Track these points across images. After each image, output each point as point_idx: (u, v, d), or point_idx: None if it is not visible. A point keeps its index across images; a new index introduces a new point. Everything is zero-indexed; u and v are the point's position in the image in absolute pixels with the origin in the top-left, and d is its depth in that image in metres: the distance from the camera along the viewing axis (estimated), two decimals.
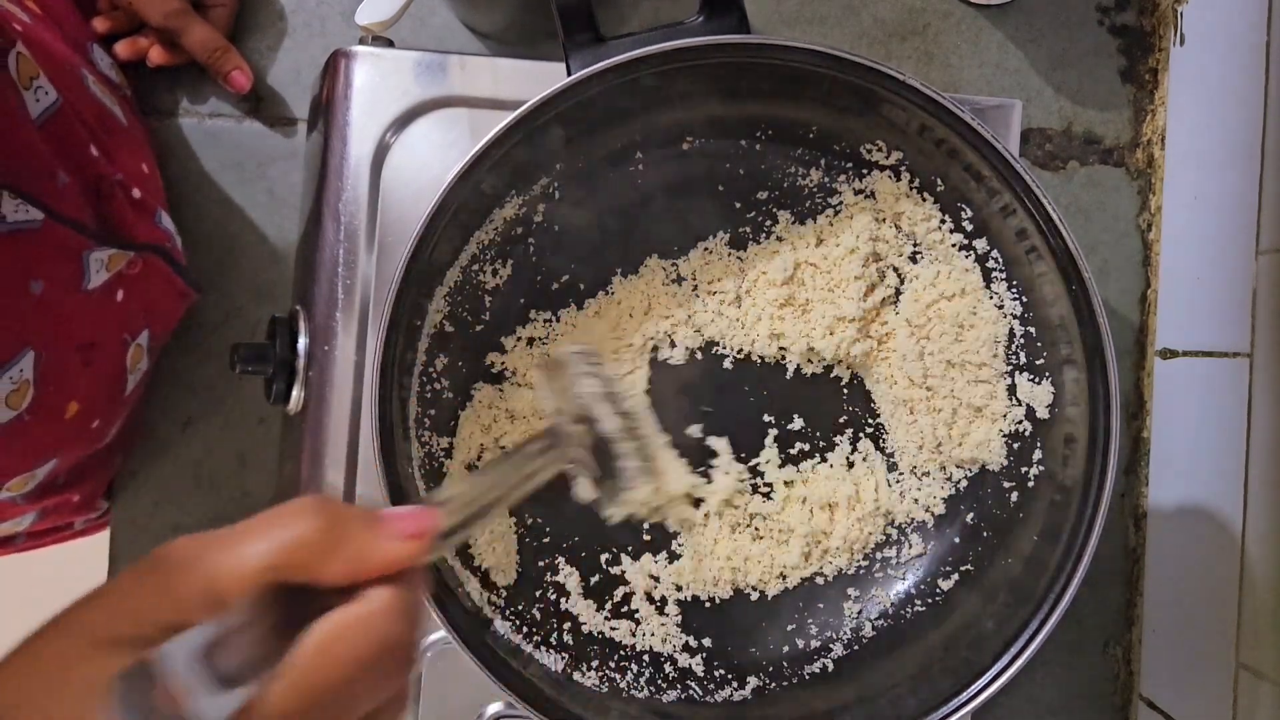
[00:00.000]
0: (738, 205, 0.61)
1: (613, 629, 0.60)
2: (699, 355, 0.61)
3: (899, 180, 0.60)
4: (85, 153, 0.54)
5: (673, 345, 0.61)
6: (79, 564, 0.85)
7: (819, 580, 0.61)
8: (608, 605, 0.60)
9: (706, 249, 0.61)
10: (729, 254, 0.61)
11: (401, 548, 0.31)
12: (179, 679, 0.27)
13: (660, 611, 0.60)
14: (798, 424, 0.61)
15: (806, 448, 0.61)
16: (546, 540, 0.60)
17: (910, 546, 0.61)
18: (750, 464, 0.61)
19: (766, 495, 0.61)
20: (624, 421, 0.45)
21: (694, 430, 0.61)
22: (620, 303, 0.61)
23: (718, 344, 0.61)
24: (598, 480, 0.46)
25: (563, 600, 0.59)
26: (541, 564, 0.60)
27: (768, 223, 0.61)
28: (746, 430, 0.61)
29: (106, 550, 0.69)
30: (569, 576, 0.60)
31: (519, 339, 0.60)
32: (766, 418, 0.61)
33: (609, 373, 0.49)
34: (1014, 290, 0.59)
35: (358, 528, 0.30)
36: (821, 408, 0.62)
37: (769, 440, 0.61)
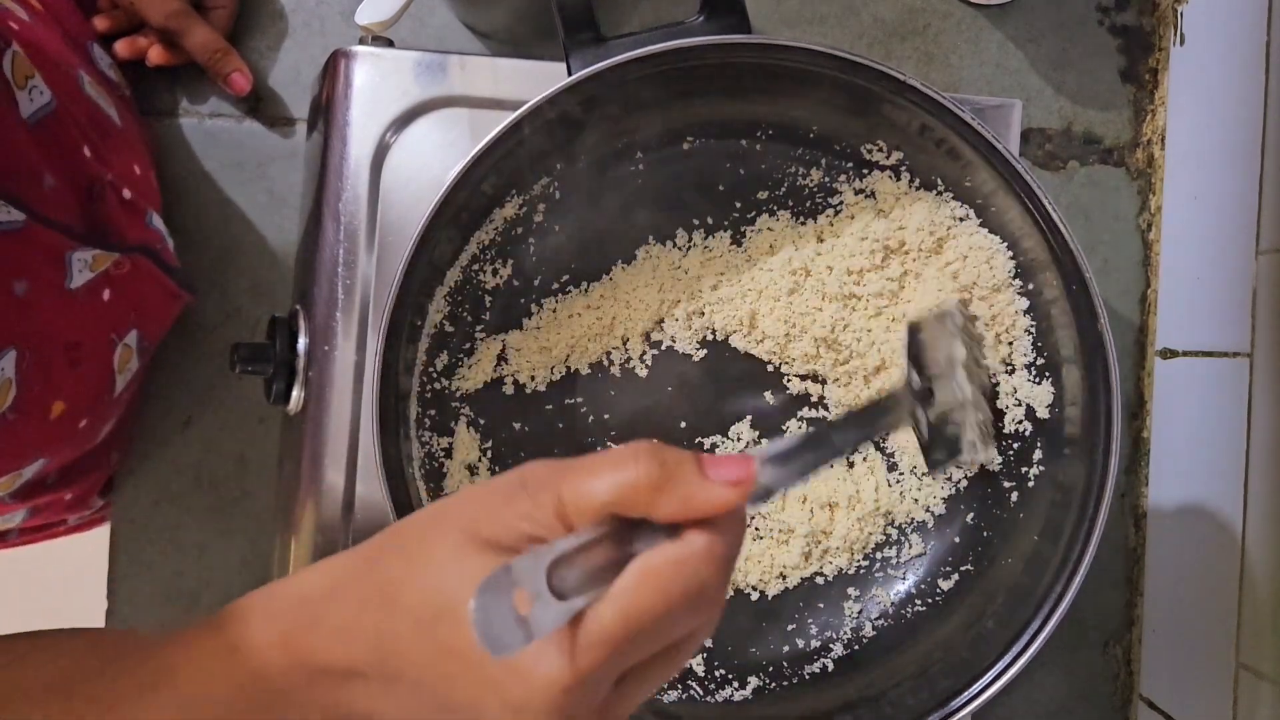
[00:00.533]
0: (738, 205, 0.61)
1: None
2: (698, 352, 0.61)
3: (899, 180, 0.60)
4: (77, 154, 0.54)
5: (673, 341, 0.61)
6: (78, 562, 0.85)
7: (819, 580, 0.61)
8: None
9: (707, 248, 0.61)
10: (730, 253, 0.61)
11: (723, 493, 0.33)
12: (528, 586, 0.31)
13: None
14: (794, 424, 0.61)
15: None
16: None
17: (910, 546, 0.61)
18: None
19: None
20: (975, 391, 0.45)
21: (684, 424, 0.61)
22: (620, 299, 0.61)
23: (717, 342, 0.61)
24: (924, 441, 0.47)
25: None
26: None
27: (769, 222, 0.61)
28: (743, 428, 0.61)
29: (106, 549, 0.69)
30: None
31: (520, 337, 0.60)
32: (766, 416, 0.61)
33: (979, 334, 0.49)
34: (1014, 290, 0.59)
35: (688, 472, 0.33)
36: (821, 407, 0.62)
37: (766, 439, 0.61)
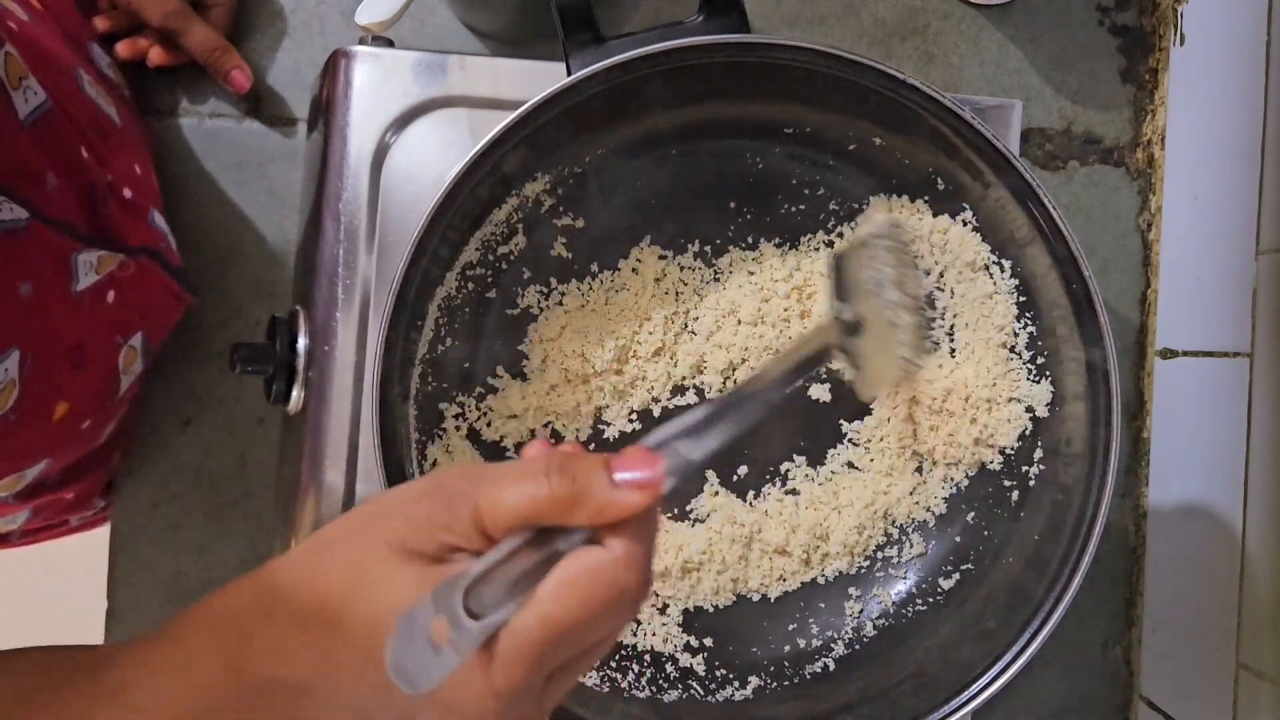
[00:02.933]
0: (740, 204, 0.61)
1: None
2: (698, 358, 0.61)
3: (899, 180, 0.60)
4: (76, 154, 0.54)
5: (675, 347, 0.61)
6: (78, 562, 0.85)
7: (820, 580, 0.61)
8: None
9: (708, 247, 0.61)
10: (731, 252, 0.61)
11: (633, 497, 0.34)
12: (446, 613, 0.32)
13: (661, 612, 0.60)
14: (794, 424, 0.61)
15: (805, 445, 0.61)
16: None
17: (911, 546, 0.61)
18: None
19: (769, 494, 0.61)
20: (906, 308, 0.44)
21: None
22: (620, 301, 0.61)
23: (714, 352, 0.61)
24: (855, 370, 0.46)
25: None
26: None
27: (769, 223, 0.61)
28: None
29: (106, 549, 0.69)
30: None
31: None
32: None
33: (911, 251, 0.47)
34: (1015, 289, 0.59)
35: (597, 481, 0.34)
36: (823, 407, 0.62)
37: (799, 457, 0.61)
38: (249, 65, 0.66)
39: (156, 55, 0.65)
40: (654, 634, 0.60)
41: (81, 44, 0.63)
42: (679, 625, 0.60)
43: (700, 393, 0.61)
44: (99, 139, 0.57)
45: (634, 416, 0.61)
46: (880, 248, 0.45)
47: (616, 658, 0.59)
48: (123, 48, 0.65)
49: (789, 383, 0.42)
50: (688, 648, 0.60)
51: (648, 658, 0.59)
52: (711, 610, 0.60)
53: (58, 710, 0.37)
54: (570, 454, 0.35)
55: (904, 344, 0.44)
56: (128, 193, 0.58)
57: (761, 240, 0.61)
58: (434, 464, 0.58)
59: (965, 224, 0.59)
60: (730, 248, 0.61)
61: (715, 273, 0.61)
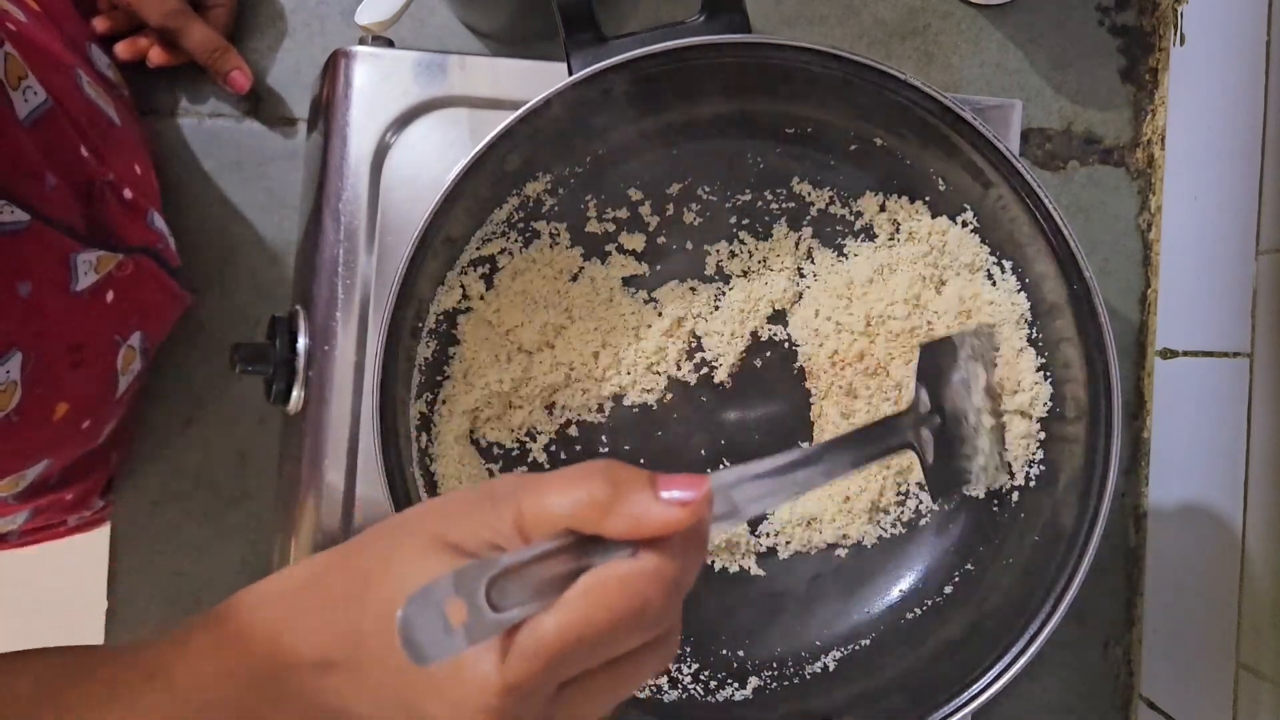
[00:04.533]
0: (740, 205, 0.61)
1: None
2: (686, 375, 0.61)
3: (900, 180, 0.60)
4: (75, 154, 0.54)
5: (675, 363, 0.61)
6: (78, 562, 0.85)
7: (820, 580, 0.61)
8: None
9: (708, 248, 0.61)
10: (732, 252, 0.61)
11: (673, 513, 0.34)
12: (466, 597, 0.32)
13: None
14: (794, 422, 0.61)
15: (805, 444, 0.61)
16: None
17: (912, 546, 0.61)
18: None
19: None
20: (988, 417, 0.44)
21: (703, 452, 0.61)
22: (620, 299, 0.61)
23: (706, 351, 0.61)
24: (928, 466, 0.45)
25: None
26: None
27: (771, 222, 0.61)
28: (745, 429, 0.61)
29: (106, 549, 0.69)
30: None
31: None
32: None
33: (995, 356, 0.47)
34: (1015, 290, 0.59)
35: (639, 492, 0.34)
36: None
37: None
38: (249, 65, 0.66)
39: (156, 55, 0.65)
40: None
41: (80, 45, 0.63)
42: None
43: (710, 372, 0.61)
44: (99, 138, 0.57)
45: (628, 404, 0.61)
46: (971, 347, 0.45)
47: None
48: (122, 48, 0.65)
49: (858, 459, 0.42)
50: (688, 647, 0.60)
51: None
52: (713, 608, 0.60)
53: (99, 691, 0.38)
54: (619, 464, 0.35)
55: (983, 452, 0.43)
56: (128, 193, 0.58)
57: (762, 240, 0.61)
58: (434, 464, 0.58)
59: (965, 224, 0.59)
60: (730, 247, 0.61)
61: (715, 272, 0.61)
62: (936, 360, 0.47)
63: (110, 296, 0.56)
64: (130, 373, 0.60)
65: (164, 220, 0.63)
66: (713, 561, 0.61)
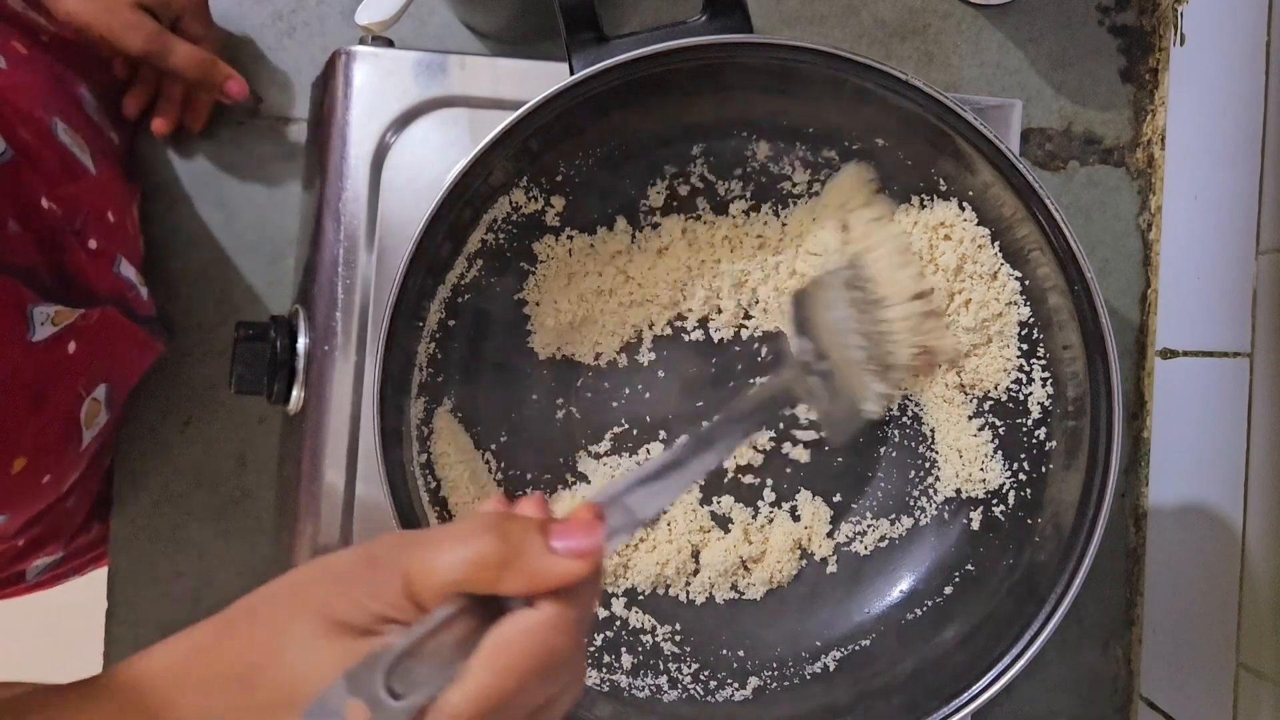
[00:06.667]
0: (739, 205, 0.61)
1: (613, 630, 0.60)
2: (701, 362, 0.61)
3: (900, 180, 0.60)
4: (36, 203, 0.53)
5: (679, 331, 0.61)
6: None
7: (821, 581, 0.61)
8: (609, 607, 0.60)
9: (709, 248, 0.61)
10: (734, 250, 0.61)
11: (570, 566, 0.33)
12: (365, 695, 0.30)
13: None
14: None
15: (806, 441, 0.61)
16: None
17: (912, 547, 0.61)
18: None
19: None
20: (871, 346, 0.43)
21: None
22: (620, 299, 0.61)
23: (721, 350, 0.61)
24: (824, 411, 0.44)
25: None
26: None
27: (768, 223, 0.61)
28: None
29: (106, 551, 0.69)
30: None
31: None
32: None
33: (871, 287, 0.46)
34: (1015, 289, 0.59)
35: (532, 547, 0.33)
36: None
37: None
38: (250, 65, 0.66)
39: (160, 125, 0.65)
40: (654, 634, 0.60)
41: (70, 86, 0.61)
42: (679, 626, 0.60)
43: (708, 333, 0.61)
44: (69, 183, 0.56)
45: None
46: (840, 285, 0.44)
47: (616, 658, 0.59)
48: (131, 105, 0.65)
49: (749, 427, 0.40)
50: (675, 652, 0.60)
51: (658, 662, 0.59)
52: (712, 609, 0.60)
53: None
54: (504, 514, 0.34)
55: (867, 388, 0.43)
56: (93, 242, 0.57)
57: (762, 240, 0.61)
58: (434, 464, 0.58)
59: (965, 224, 0.59)
60: (730, 246, 0.61)
61: (716, 272, 0.61)
62: (809, 305, 0.46)
63: (72, 347, 0.54)
64: (95, 426, 0.59)
65: (136, 269, 0.61)
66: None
